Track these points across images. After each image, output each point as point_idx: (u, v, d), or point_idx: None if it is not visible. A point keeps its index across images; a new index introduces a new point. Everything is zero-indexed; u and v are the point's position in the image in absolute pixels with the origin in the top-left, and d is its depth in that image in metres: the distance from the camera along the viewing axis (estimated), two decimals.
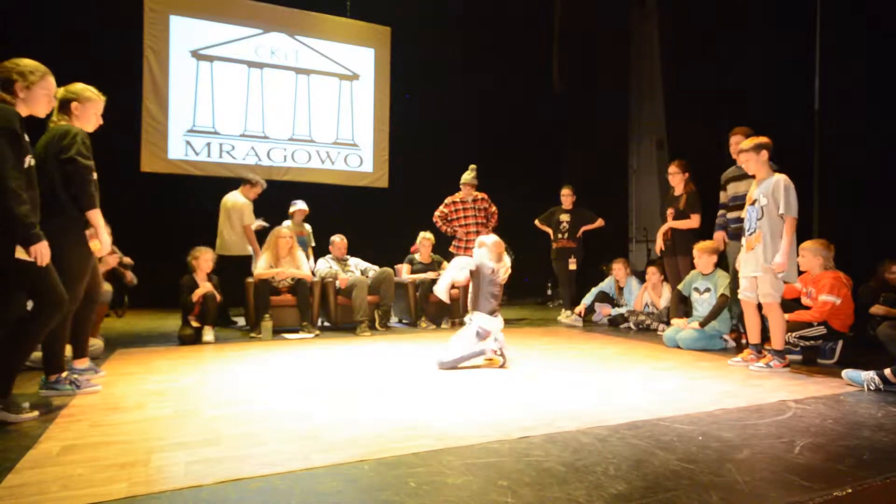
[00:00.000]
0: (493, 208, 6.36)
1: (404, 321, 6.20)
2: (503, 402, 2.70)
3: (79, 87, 2.88)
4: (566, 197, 6.48)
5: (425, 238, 6.09)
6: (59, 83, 2.74)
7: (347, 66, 8.92)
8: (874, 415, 2.50)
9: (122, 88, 6.68)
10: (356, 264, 5.90)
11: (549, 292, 8.99)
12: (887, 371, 2.97)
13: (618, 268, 6.16)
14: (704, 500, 1.56)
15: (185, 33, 7.81)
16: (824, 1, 6.24)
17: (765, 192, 3.54)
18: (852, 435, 2.19)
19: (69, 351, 3.11)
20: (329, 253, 5.96)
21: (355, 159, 8.96)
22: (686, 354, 4.20)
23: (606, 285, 6.23)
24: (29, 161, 2.39)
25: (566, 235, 6.40)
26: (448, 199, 6.35)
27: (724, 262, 4.77)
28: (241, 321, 5.88)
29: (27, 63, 2.45)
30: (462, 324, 4.00)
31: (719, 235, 4.71)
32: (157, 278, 5.47)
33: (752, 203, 3.65)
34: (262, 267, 5.17)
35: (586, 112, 9.47)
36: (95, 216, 2.78)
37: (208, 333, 4.66)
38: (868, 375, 3.02)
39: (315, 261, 6.12)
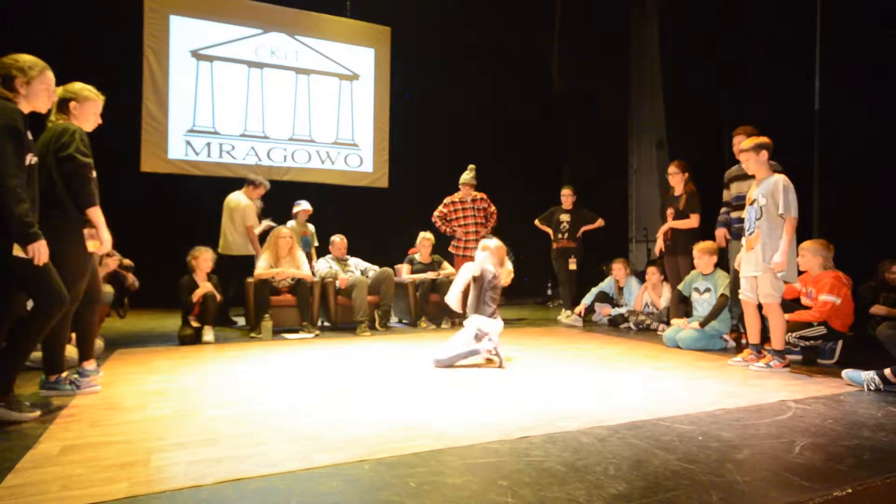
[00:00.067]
0: (493, 208, 6.36)
1: (404, 321, 6.20)
2: (503, 402, 2.70)
3: (77, 86, 2.88)
4: (566, 197, 6.48)
5: (425, 238, 6.09)
6: (59, 83, 2.73)
7: (347, 66, 8.92)
8: (874, 415, 2.50)
9: (122, 88, 6.70)
10: (356, 264, 5.90)
11: (549, 292, 8.98)
12: (887, 371, 2.97)
13: (618, 268, 6.16)
14: (704, 500, 1.56)
15: (185, 33, 7.81)
16: (824, 1, 6.24)
17: (764, 192, 3.54)
18: (852, 435, 2.19)
19: (71, 352, 3.11)
20: (329, 253, 5.96)
21: (355, 159, 8.96)
22: (686, 354, 4.20)
23: (606, 285, 6.23)
24: (30, 159, 2.39)
25: (566, 235, 6.40)
26: (447, 199, 6.35)
27: (723, 262, 4.77)
28: (241, 321, 5.88)
29: (26, 58, 2.44)
30: (461, 324, 4.01)
31: (720, 232, 4.70)
32: (157, 278, 5.47)
33: (752, 203, 3.65)
34: (262, 267, 5.17)
35: (586, 112, 9.48)
36: (95, 214, 2.78)
37: (208, 333, 4.65)
38: (868, 375, 3.02)
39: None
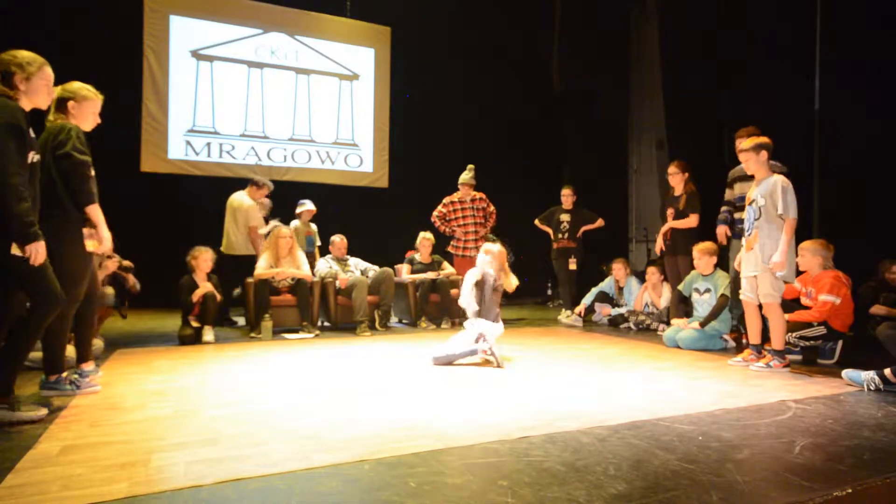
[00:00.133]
0: (492, 208, 6.36)
1: (404, 321, 6.20)
2: (503, 402, 2.70)
3: (76, 85, 2.87)
4: (566, 197, 6.48)
5: (425, 238, 6.09)
6: (59, 83, 2.74)
7: (347, 66, 8.92)
8: (874, 415, 2.50)
9: (122, 88, 6.71)
10: (356, 264, 5.90)
11: (549, 292, 8.98)
12: (887, 371, 2.97)
13: (618, 268, 6.15)
14: (704, 500, 1.56)
15: (185, 33, 7.81)
16: (824, 1, 6.24)
17: (763, 192, 3.55)
18: (852, 435, 2.19)
19: (70, 352, 3.11)
20: (329, 253, 5.97)
21: (355, 159, 8.96)
22: (686, 354, 4.20)
23: (606, 285, 6.23)
24: (33, 157, 2.38)
25: (566, 235, 6.40)
26: (446, 199, 6.35)
27: (723, 262, 4.77)
28: (241, 321, 5.88)
29: (24, 54, 2.43)
30: (461, 324, 4.02)
31: (721, 230, 4.67)
32: (157, 278, 5.47)
33: (751, 203, 3.65)
34: (262, 267, 5.17)
35: (586, 112, 9.48)
36: (94, 212, 2.77)
37: (208, 333, 4.65)
38: (868, 375, 3.02)
39: None
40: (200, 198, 7.38)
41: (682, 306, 4.87)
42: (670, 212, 5.20)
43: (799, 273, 3.96)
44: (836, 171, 6.10)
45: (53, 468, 1.80)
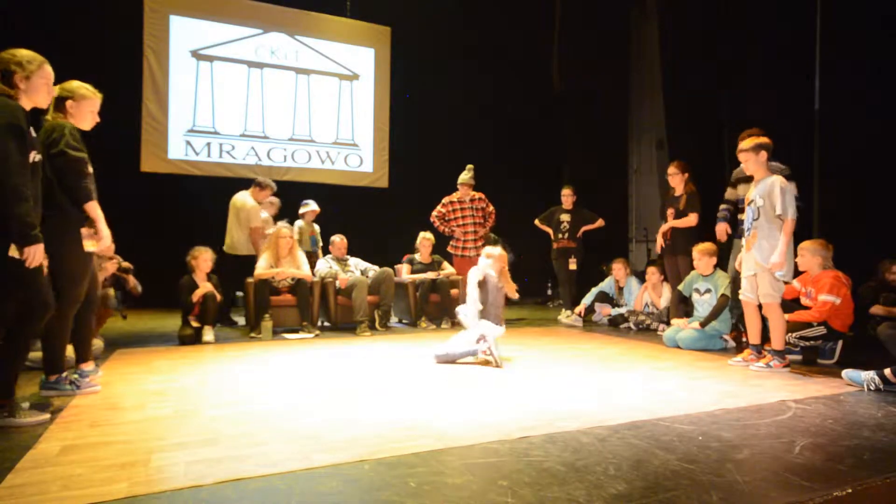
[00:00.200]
0: (491, 208, 6.36)
1: (404, 321, 6.20)
2: (503, 402, 2.70)
3: (74, 84, 2.87)
4: (566, 197, 6.48)
5: (425, 238, 6.09)
6: (59, 82, 2.73)
7: (347, 66, 8.92)
8: (874, 415, 2.50)
9: (122, 88, 6.71)
10: (356, 264, 5.90)
11: (549, 292, 8.98)
12: (887, 371, 2.97)
13: (618, 268, 6.15)
14: (704, 500, 1.56)
15: (185, 33, 7.81)
16: (824, 1, 6.24)
17: (761, 193, 3.55)
18: (852, 435, 2.19)
19: (71, 352, 3.10)
20: (329, 253, 5.97)
21: (355, 159, 8.96)
22: (686, 354, 4.20)
23: (606, 285, 6.23)
24: (34, 157, 2.37)
25: (566, 235, 6.40)
26: (445, 199, 6.35)
27: (723, 262, 4.77)
28: (241, 321, 5.89)
29: (23, 53, 2.41)
30: (461, 324, 4.03)
31: (721, 227, 4.63)
32: (157, 278, 5.47)
33: (750, 204, 3.66)
34: (262, 267, 5.17)
35: (586, 112, 9.48)
36: (93, 208, 2.76)
37: (208, 333, 4.65)
38: (868, 375, 3.02)
39: None
40: (200, 198, 7.39)
41: (682, 306, 4.87)
42: (670, 212, 5.20)
43: (798, 273, 3.96)
44: (836, 171, 6.09)
45: (53, 468, 1.80)
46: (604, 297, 6.18)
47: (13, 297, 2.31)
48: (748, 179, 4.43)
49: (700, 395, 2.85)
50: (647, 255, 9.08)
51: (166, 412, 2.49)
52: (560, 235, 6.44)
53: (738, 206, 4.61)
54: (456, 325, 5.65)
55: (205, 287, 4.69)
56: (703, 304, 4.67)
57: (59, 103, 2.79)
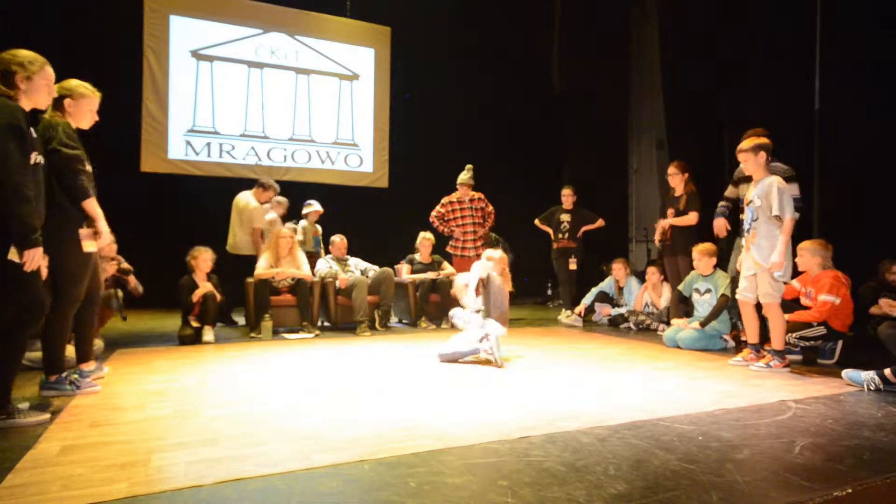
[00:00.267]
0: (490, 208, 6.36)
1: (404, 321, 6.20)
2: (503, 402, 2.70)
3: (72, 83, 2.86)
4: (567, 197, 6.48)
5: (425, 238, 6.09)
6: (58, 82, 2.73)
7: (347, 66, 8.92)
8: (874, 415, 2.50)
9: (122, 88, 6.71)
10: (356, 264, 5.90)
11: (549, 292, 8.98)
12: (887, 371, 2.97)
13: (618, 268, 6.15)
14: (704, 500, 1.56)
15: (185, 33, 7.81)
16: (824, 1, 6.24)
17: (759, 193, 3.55)
18: (852, 435, 2.19)
19: (70, 352, 3.10)
20: (329, 253, 5.97)
21: (355, 159, 8.96)
22: (686, 354, 4.20)
23: (606, 285, 6.23)
24: (35, 157, 2.36)
25: (566, 235, 6.40)
26: (445, 199, 6.35)
27: (723, 262, 4.76)
28: (241, 321, 5.89)
29: (25, 53, 2.40)
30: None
31: (719, 222, 4.58)
32: (157, 278, 5.47)
33: (748, 204, 3.66)
34: (262, 267, 5.17)
35: (586, 112, 9.48)
36: (91, 205, 2.76)
37: (208, 333, 4.65)
38: (868, 375, 3.02)
39: None
40: (200, 198, 7.39)
41: (682, 306, 4.87)
42: (670, 212, 5.20)
43: (798, 273, 3.96)
44: (836, 171, 6.09)
45: (53, 468, 1.80)
46: (604, 297, 6.18)
47: (10, 299, 2.30)
48: (749, 179, 4.43)
49: (700, 395, 2.85)
50: (647, 255, 9.08)
51: (166, 412, 2.49)
52: (560, 235, 6.44)
53: (738, 205, 4.60)
54: (456, 325, 5.65)
55: (205, 287, 4.69)
56: (703, 304, 4.67)
57: (57, 102, 2.78)
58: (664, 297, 5.58)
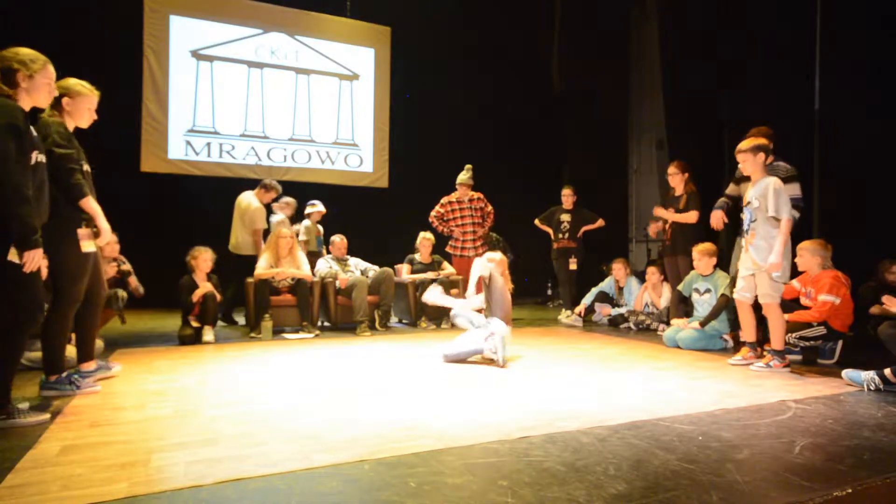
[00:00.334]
0: (489, 208, 6.36)
1: (404, 321, 6.20)
2: (503, 402, 2.70)
3: (70, 81, 2.85)
4: (567, 197, 6.48)
5: (425, 238, 6.09)
6: (57, 82, 2.72)
7: (347, 66, 8.92)
8: (874, 415, 2.50)
9: (122, 88, 6.72)
10: (356, 264, 5.90)
11: (549, 292, 8.99)
12: (887, 371, 2.97)
13: (618, 268, 6.15)
14: (704, 500, 1.56)
15: (185, 33, 7.81)
16: (824, 1, 6.24)
17: (757, 194, 3.56)
18: (852, 435, 2.19)
19: (70, 352, 3.10)
20: (329, 253, 5.97)
21: (355, 159, 8.96)
22: (686, 354, 4.21)
23: (606, 285, 6.23)
24: (36, 157, 2.35)
25: (567, 235, 6.40)
26: (444, 200, 6.35)
27: (723, 263, 4.76)
28: (242, 321, 5.89)
29: (26, 52, 2.40)
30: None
31: (717, 214, 4.48)
32: (157, 278, 5.47)
33: (747, 205, 3.67)
34: (262, 267, 5.17)
35: (586, 112, 9.48)
36: (88, 204, 2.75)
37: (208, 333, 4.65)
38: (868, 375, 3.02)
39: None
40: (200, 198, 7.39)
41: (682, 306, 4.87)
42: (670, 211, 5.20)
43: (797, 273, 3.96)
44: (836, 171, 6.09)
45: (53, 468, 1.80)
46: (604, 297, 6.18)
47: (10, 299, 2.30)
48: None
49: (700, 395, 2.85)
50: (647, 255, 9.09)
51: (166, 412, 2.49)
52: (560, 235, 6.44)
53: (738, 203, 4.60)
54: (456, 325, 5.65)
55: (205, 287, 4.69)
56: (703, 304, 4.67)
57: (55, 101, 2.77)
58: (664, 297, 5.58)
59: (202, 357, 3.96)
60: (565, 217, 6.45)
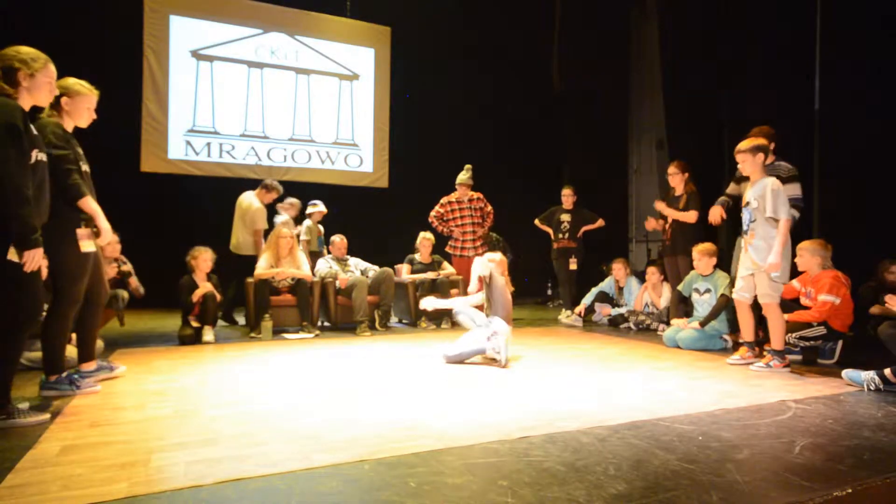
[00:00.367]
0: (489, 208, 6.36)
1: (404, 321, 6.20)
2: (503, 402, 2.70)
3: (69, 81, 2.85)
4: (567, 197, 6.48)
5: (425, 238, 6.09)
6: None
7: (347, 66, 8.92)
8: (874, 415, 2.50)
9: (122, 88, 6.72)
10: (356, 264, 5.90)
11: (549, 292, 8.99)
12: (887, 371, 2.97)
13: (618, 268, 6.15)
14: (704, 500, 1.56)
15: (185, 33, 7.81)
16: (824, 1, 6.24)
17: (755, 195, 3.56)
18: (852, 435, 2.19)
19: (71, 352, 3.10)
20: (329, 253, 5.97)
21: (355, 159, 8.96)
22: (686, 354, 4.20)
23: (606, 285, 6.23)
24: (36, 155, 2.35)
25: (567, 235, 6.40)
26: (444, 200, 6.35)
27: (723, 263, 4.76)
28: (242, 321, 5.89)
29: (28, 51, 2.39)
30: (460, 324, 4.05)
31: (715, 210, 4.42)
32: (157, 278, 5.47)
33: (746, 205, 3.67)
34: (262, 267, 5.17)
35: (586, 112, 9.48)
36: (87, 203, 2.75)
37: (208, 333, 4.65)
38: (868, 375, 3.02)
39: None
40: (200, 198, 7.39)
41: (682, 306, 4.87)
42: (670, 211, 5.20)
43: (797, 273, 3.96)
44: (836, 171, 6.09)
45: (53, 468, 1.80)
46: (604, 297, 6.18)
47: (10, 299, 2.29)
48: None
49: (700, 395, 2.85)
50: (647, 255, 9.09)
51: (166, 412, 2.49)
52: (560, 235, 6.44)
53: (738, 202, 4.59)
54: (456, 325, 5.65)
55: (205, 287, 4.69)
56: (703, 304, 4.67)
57: (54, 101, 2.77)
58: (664, 297, 5.58)
59: (202, 357, 3.96)
60: (565, 217, 6.45)
